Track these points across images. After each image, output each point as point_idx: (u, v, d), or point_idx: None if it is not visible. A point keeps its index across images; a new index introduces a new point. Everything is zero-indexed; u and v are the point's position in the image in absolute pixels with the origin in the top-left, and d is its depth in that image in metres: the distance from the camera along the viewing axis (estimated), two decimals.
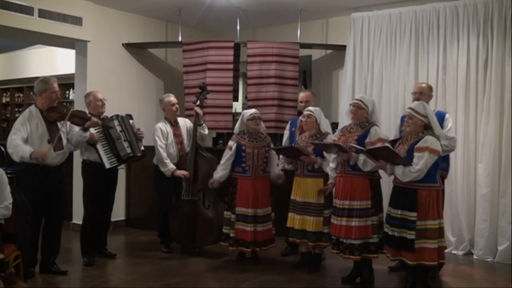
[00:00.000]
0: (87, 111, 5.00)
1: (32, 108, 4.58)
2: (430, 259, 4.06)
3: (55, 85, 4.56)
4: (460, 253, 5.59)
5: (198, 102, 5.62)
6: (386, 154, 4.09)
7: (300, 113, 5.79)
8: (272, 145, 5.13)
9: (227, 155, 5.06)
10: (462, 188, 5.56)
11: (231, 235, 5.03)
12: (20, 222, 4.03)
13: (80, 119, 4.66)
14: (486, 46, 5.51)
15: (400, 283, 4.58)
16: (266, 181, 5.09)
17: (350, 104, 4.55)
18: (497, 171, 5.40)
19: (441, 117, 4.64)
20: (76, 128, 4.73)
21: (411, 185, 4.04)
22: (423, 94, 4.76)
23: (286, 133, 5.63)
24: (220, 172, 5.08)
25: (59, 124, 4.61)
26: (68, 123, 4.68)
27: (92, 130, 4.90)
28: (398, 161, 4.05)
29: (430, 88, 4.91)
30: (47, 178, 4.51)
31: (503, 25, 5.41)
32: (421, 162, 3.95)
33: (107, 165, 4.93)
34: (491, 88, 5.44)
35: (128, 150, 5.04)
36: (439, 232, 4.11)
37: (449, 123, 4.73)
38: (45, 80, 4.55)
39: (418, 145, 4.02)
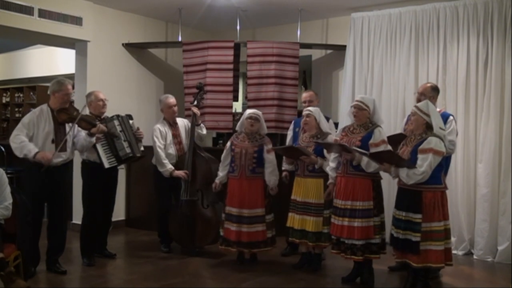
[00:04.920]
0: (87, 111, 5.01)
1: (44, 106, 4.67)
2: (436, 261, 4.05)
3: (69, 87, 4.65)
4: (460, 253, 5.59)
5: (195, 102, 5.63)
6: (390, 157, 4.08)
7: (301, 113, 5.79)
8: (270, 146, 5.07)
9: (224, 155, 5.10)
10: (462, 188, 5.56)
11: (221, 233, 5.06)
12: (20, 222, 4.04)
13: (87, 123, 4.73)
14: (486, 46, 5.51)
15: (400, 283, 4.58)
16: (257, 182, 4.96)
17: (351, 106, 4.54)
18: (497, 171, 5.40)
19: (444, 118, 4.59)
20: (83, 133, 4.77)
21: (416, 187, 4.02)
22: (423, 94, 4.72)
23: (290, 133, 5.61)
24: (220, 174, 5.10)
25: (67, 127, 4.67)
26: (77, 126, 4.73)
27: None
28: (402, 163, 4.04)
29: (432, 89, 4.80)
30: (49, 178, 4.54)
31: (503, 25, 5.41)
32: (425, 164, 3.93)
33: (106, 165, 4.93)
34: (491, 88, 5.44)
35: (128, 150, 5.02)
36: (445, 234, 4.10)
37: (451, 125, 4.64)
38: (61, 81, 4.66)
39: (421, 146, 4.00)
